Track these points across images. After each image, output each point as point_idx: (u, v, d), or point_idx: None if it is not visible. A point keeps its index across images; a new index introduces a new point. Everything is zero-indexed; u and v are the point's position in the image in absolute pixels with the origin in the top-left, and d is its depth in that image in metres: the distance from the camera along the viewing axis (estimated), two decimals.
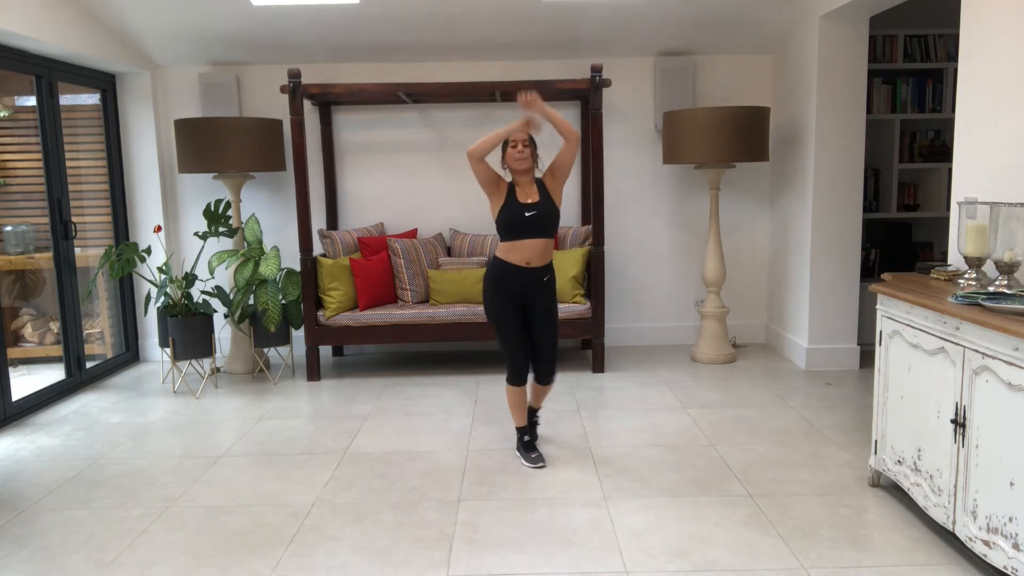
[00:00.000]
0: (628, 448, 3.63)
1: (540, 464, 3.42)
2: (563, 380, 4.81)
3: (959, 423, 2.49)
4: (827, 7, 4.48)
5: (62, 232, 4.69)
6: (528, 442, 3.52)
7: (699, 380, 4.75)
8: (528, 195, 3.35)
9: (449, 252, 5.41)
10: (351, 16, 4.74)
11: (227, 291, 5.18)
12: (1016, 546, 2.23)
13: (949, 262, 3.20)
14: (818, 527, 2.81)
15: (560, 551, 2.68)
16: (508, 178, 3.41)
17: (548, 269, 3.42)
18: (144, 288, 5.48)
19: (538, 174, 3.45)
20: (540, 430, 3.87)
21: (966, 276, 2.76)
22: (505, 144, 3.35)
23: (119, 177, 5.37)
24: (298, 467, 3.50)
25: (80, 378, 4.88)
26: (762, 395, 4.41)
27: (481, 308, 4.82)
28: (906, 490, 2.85)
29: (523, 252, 3.32)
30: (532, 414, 3.61)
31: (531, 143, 3.34)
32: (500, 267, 3.37)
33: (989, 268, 2.96)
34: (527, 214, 3.30)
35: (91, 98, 5.23)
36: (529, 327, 3.43)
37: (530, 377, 3.51)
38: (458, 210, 5.54)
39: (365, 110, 5.47)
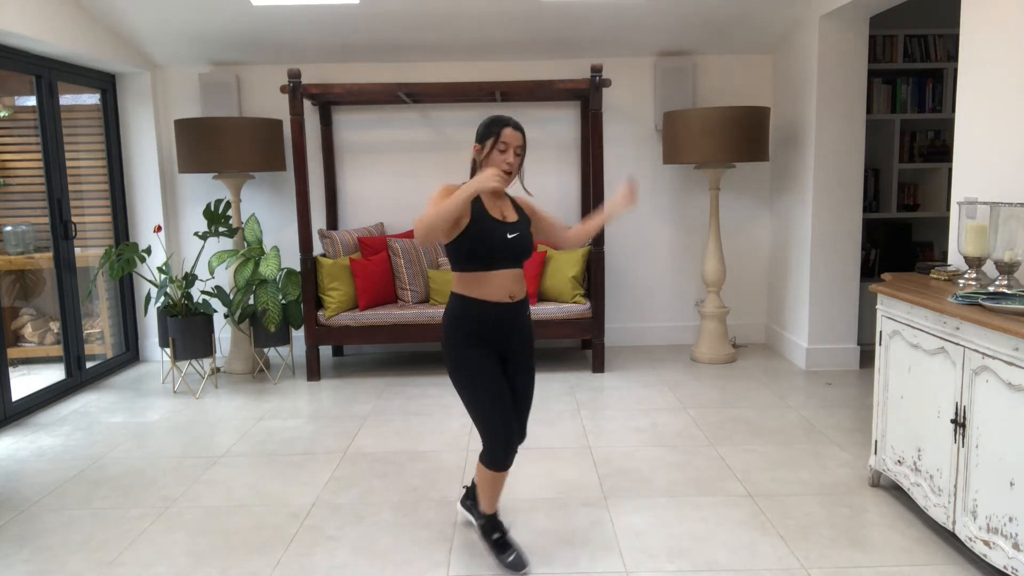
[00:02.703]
0: (628, 448, 3.63)
1: (524, 570, 2.53)
2: (563, 380, 4.81)
3: (959, 423, 2.49)
4: (827, 7, 4.48)
5: (62, 232, 4.68)
6: (500, 539, 2.59)
7: (699, 380, 4.75)
8: (503, 212, 2.51)
9: None
10: (351, 16, 4.74)
11: (227, 291, 5.18)
12: (1016, 546, 2.23)
13: (949, 262, 3.20)
14: (818, 527, 2.81)
15: (560, 551, 2.68)
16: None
17: (527, 299, 2.59)
18: (144, 288, 5.48)
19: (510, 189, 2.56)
20: (540, 431, 3.86)
21: (966, 276, 2.76)
22: (494, 140, 2.42)
23: (119, 177, 5.37)
24: (298, 467, 3.50)
25: (80, 378, 4.88)
26: (762, 395, 4.41)
27: None
28: (906, 490, 2.85)
29: (503, 284, 2.45)
30: (495, 518, 2.64)
31: (523, 150, 2.48)
32: (471, 307, 2.45)
33: (989, 268, 2.96)
34: (509, 236, 2.44)
35: (91, 98, 5.23)
36: (510, 379, 2.54)
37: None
38: None
39: (365, 110, 5.47)
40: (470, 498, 2.81)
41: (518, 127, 2.46)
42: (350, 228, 5.54)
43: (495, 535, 2.60)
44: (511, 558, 2.53)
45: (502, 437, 2.44)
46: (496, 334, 2.48)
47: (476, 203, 2.45)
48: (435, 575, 2.54)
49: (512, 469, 3.34)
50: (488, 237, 2.41)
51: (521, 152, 2.47)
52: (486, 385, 2.43)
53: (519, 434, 2.54)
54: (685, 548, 2.68)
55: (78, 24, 4.50)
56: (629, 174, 5.17)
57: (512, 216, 2.53)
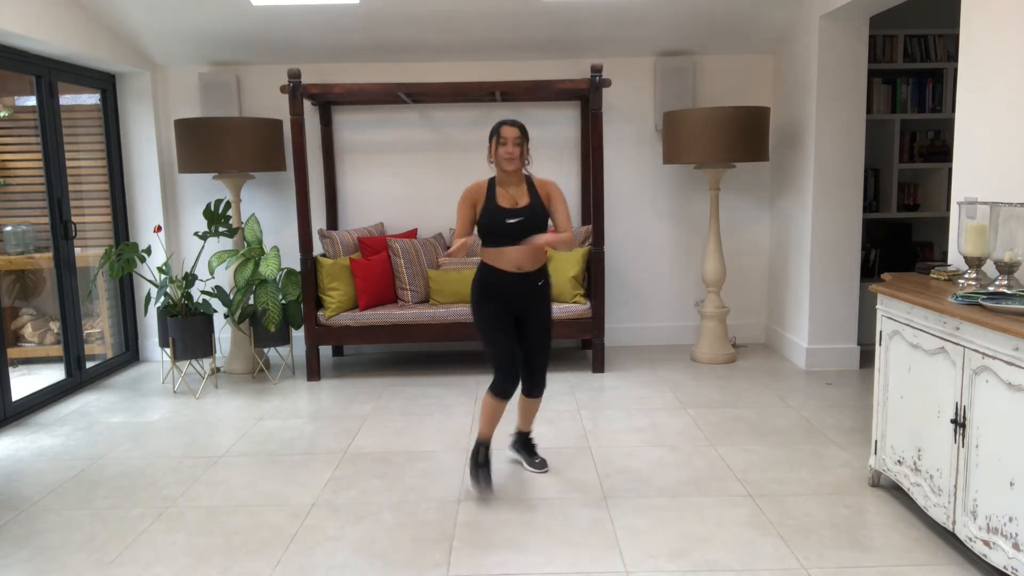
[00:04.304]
0: (628, 448, 3.63)
1: (488, 488, 3.11)
2: (563, 380, 4.81)
3: (959, 423, 2.49)
4: (827, 7, 4.48)
5: (62, 232, 4.68)
6: (485, 461, 3.15)
7: (699, 380, 4.75)
8: (515, 198, 3.06)
9: None
10: (351, 16, 4.74)
11: (227, 291, 5.18)
12: (1016, 546, 2.23)
13: (949, 262, 3.20)
14: (818, 527, 2.81)
15: (560, 551, 2.68)
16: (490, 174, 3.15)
17: (542, 273, 3.14)
18: (144, 288, 5.48)
19: (527, 171, 3.15)
20: (540, 431, 3.87)
21: (966, 276, 2.76)
22: (496, 139, 3.04)
23: (119, 177, 5.37)
24: (298, 467, 3.50)
25: (80, 378, 4.88)
26: (762, 395, 4.41)
27: None
28: (906, 490, 2.85)
29: (511, 258, 3.04)
30: (525, 438, 3.45)
31: (522, 139, 3.02)
32: (489, 273, 3.09)
33: (989, 268, 2.96)
34: (509, 221, 3.02)
35: (91, 98, 5.23)
36: (521, 334, 3.15)
37: (517, 395, 3.26)
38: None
39: (365, 110, 5.47)
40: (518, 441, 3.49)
41: (514, 123, 3.05)
42: (350, 228, 5.54)
43: (480, 455, 3.16)
44: (483, 472, 3.12)
45: (507, 365, 3.07)
46: (508, 296, 3.10)
47: (489, 192, 3.08)
48: (435, 575, 2.54)
49: (513, 468, 3.40)
50: (490, 222, 3.05)
51: (520, 142, 3.03)
52: (495, 331, 3.08)
53: (526, 379, 3.23)
54: (685, 548, 2.68)
55: (78, 24, 4.50)
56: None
57: (524, 201, 3.08)
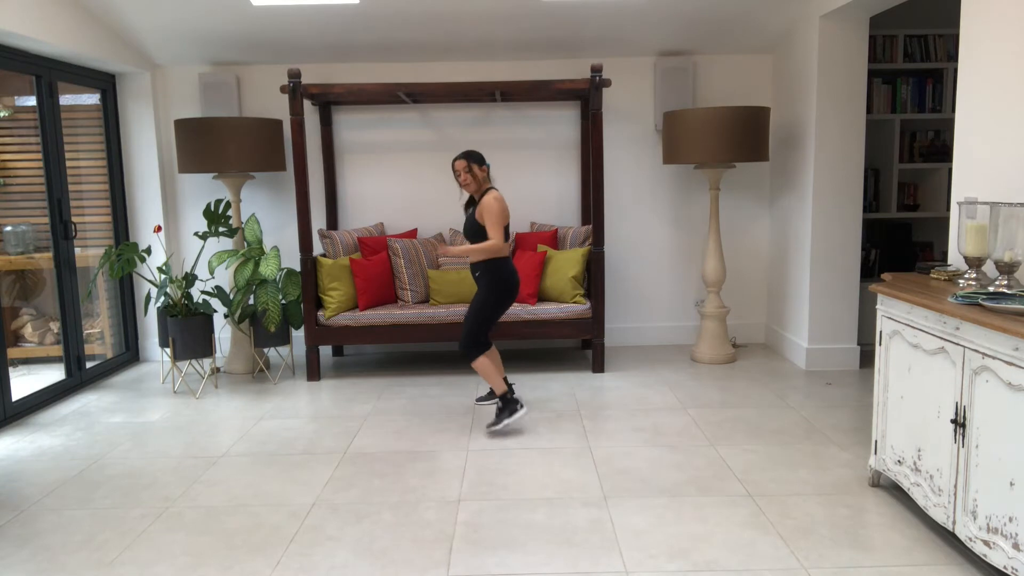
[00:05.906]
0: (628, 448, 3.63)
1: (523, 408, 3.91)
2: (563, 380, 4.81)
3: (959, 423, 2.49)
4: (827, 7, 4.48)
5: (62, 232, 4.68)
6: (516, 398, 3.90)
7: (699, 380, 4.75)
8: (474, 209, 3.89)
9: None
10: (351, 16, 4.74)
11: (227, 291, 5.18)
12: (1016, 546, 2.23)
13: (949, 262, 3.20)
14: (818, 527, 2.81)
15: (560, 551, 2.68)
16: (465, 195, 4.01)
17: (476, 268, 3.86)
18: (144, 288, 5.48)
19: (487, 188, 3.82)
20: (540, 431, 3.88)
21: (966, 276, 2.77)
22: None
23: (119, 177, 5.37)
24: (298, 467, 3.50)
25: (80, 378, 4.88)
26: (762, 395, 4.41)
27: None
28: (906, 490, 2.85)
29: None
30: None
31: (468, 165, 3.76)
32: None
33: (989, 268, 2.96)
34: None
35: (91, 98, 5.23)
36: None
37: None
38: (458, 210, 5.54)
39: (365, 110, 5.47)
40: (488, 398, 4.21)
41: (459, 156, 3.80)
42: (350, 228, 5.54)
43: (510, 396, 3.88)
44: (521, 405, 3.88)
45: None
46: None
47: (470, 203, 3.94)
48: (435, 575, 2.54)
49: (513, 468, 3.41)
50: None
51: (466, 169, 3.78)
52: None
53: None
54: (685, 548, 2.68)
55: (78, 24, 4.50)
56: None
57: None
